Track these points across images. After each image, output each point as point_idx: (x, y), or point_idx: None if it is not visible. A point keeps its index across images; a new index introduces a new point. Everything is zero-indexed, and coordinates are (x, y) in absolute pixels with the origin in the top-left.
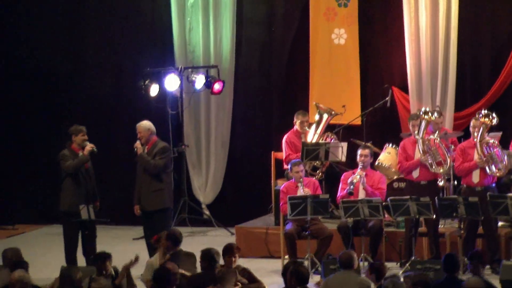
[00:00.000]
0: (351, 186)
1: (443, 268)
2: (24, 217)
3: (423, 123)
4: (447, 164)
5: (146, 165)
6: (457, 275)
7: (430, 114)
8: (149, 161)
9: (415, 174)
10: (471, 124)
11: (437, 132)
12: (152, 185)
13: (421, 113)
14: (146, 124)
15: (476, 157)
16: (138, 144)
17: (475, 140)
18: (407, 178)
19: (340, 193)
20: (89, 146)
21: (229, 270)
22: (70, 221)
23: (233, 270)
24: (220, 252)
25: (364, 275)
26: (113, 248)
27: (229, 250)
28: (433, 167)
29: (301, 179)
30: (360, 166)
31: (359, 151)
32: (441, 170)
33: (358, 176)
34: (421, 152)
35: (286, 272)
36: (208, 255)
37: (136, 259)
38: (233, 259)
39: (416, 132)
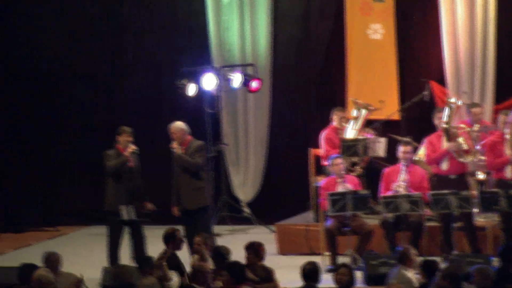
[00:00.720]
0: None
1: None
2: (65, 218)
3: (450, 110)
4: (475, 153)
5: (186, 164)
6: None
7: (454, 100)
8: (188, 160)
9: (445, 166)
10: (501, 119)
11: (477, 124)
12: (192, 183)
13: (448, 100)
14: (179, 124)
15: (508, 152)
16: (175, 144)
17: (506, 136)
18: (436, 172)
19: (381, 192)
20: (130, 148)
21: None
22: (111, 221)
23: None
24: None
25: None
26: (154, 247)
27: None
28: (460, 155)
29: (342, 173)
30: (402, 163)
31: (401, 148)
32: (469, 159)
33: (403, 183)
34: (447, 140)
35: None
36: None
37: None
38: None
39: (442, 124)
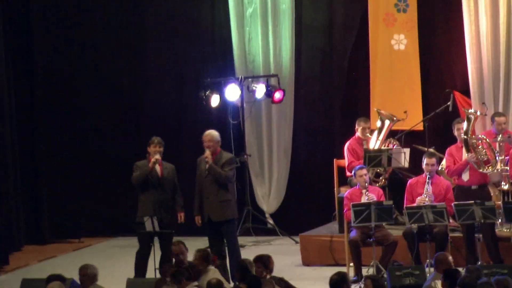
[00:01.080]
0: None
1: None
2: (89, 230)
3: (469, 121)
4: (495, 164)
5: (217, 175)
6: None
7: (474, 111)
8: (220, 172)
9: (465, 177)
10: None
11: (500, 135)
12: (220, 195)
13: (469, 111)
14: (214, 134)
15: None
16: (208, 154)
17: None
18: (458, 184)
19: (407, 202)
20: (153, 158)
21: (264, 281)
22: (139, 232)
23: (269, 281)
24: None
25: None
26: None
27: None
28: (481, 167)
29: (366, 184)
30: (427, 175)
31: (425, 160)
32: (489, 170)
33: (427, 198)
34: (467, 151)
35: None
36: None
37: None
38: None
39: (462, 134)
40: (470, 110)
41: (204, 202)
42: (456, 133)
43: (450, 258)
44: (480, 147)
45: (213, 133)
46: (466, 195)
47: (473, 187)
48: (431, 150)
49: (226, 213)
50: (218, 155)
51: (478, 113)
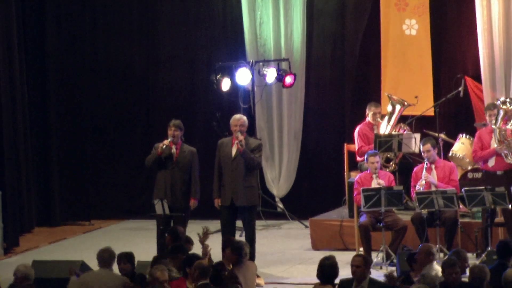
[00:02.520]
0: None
1: (497, 254)
2: (100, 212)
3: (501, 113)
4: None
5: (250, 161)
6: (508, 261)
7: (508, 104)
8: (253, 157)
9: (491, 163)
10: None
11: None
12: (246, 181)
13: (498, 102)
14: (246, 119)
15: None
16: (242, 138)
17: None
18: (483, 168)
19: (413, 190)
20: (162, 143)
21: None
22: (152, 215)
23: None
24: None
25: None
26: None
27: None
28: (509, 157)
29: (376, 170)
30: (426, 161)
31: (421, 147)
32: None
33: (423, 182)
34: (497, 142)
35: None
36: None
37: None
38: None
39: (493, 121)
40: (502, 99)
41: (227, 185)
42: (488, 119)
43: (434, 250)
44: (510, 138)
45: (244, 118)
46: (492, 180)
47: (499, 172)
48: (442, 135)
49: (251, 199)
50: (245, 140)
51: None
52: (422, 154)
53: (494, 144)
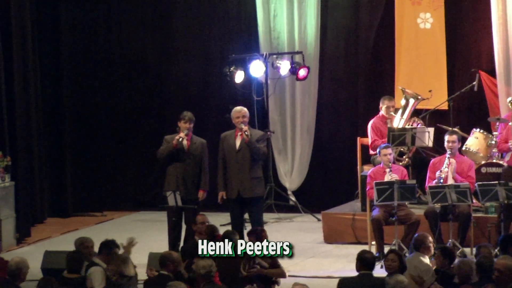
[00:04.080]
0: (440, 181)
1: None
2: (112, 203)
3: None
4: None
5: (256, 151)
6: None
7: None
8: (259, 147)
9: (507, 157)
10: None
11: None
12: (252, 172)
13: None
14: (247, 110)
15: None
16: (247, 129)
17: None
18: (508, 164)
19: (428, 182)
20: (178, 136)
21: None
22: (163, 206)
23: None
24: None
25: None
26: None
27: None
28: None
29: (389, 163)
30: (448, 152)
31: (447, 137)
32: None
33: (446, 169)
34: None
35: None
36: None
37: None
38: None
39: None
40: None
41: (233, 178)
42: None
43: (430, 238)
44: None
45: (245, 109)
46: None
47: None
48: (455, 129)
49: (257, 190)
50: (249, 131)
51: None
52: (446, 144)
53: None
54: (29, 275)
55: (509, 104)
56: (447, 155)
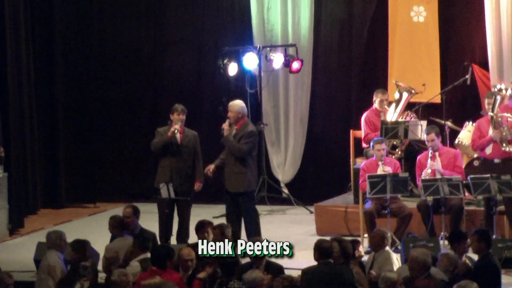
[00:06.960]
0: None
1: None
2: (105, 195)
3: (498, 99)
4: None
5: (231, 148)
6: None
7: (504, 90)
8: (234, 144)
9: (488, 150)
10: None
11: None
12: (236, 167)
13: (495, 89)
14: (238, 104)
15: None
16: (226, 125)
17: None
18: (481, 156)
19: (418, 180)
20: (173, 128)
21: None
22: (157, 198)
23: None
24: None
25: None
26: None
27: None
28: (504, 144)
29: (382, 158)
30: (430, 151)
31: (425, 137)
32: None
33: (429, 171)
34: (493, 128)
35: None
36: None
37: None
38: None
39: (489, 111)
40: (499, 87)
41: (225, 170)
42: (486, 107)
43: (388, 234)
44: (505, 126)
45: (236, 103)
46: (488, 168)
47: (496, 160)
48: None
49: (240, 185)
50: (241, 126)
51: (509, 92)
52: (426, 143)
53: (491, 132)
54: (22, 266)
55: (486, 101)
56: (429, 154)
